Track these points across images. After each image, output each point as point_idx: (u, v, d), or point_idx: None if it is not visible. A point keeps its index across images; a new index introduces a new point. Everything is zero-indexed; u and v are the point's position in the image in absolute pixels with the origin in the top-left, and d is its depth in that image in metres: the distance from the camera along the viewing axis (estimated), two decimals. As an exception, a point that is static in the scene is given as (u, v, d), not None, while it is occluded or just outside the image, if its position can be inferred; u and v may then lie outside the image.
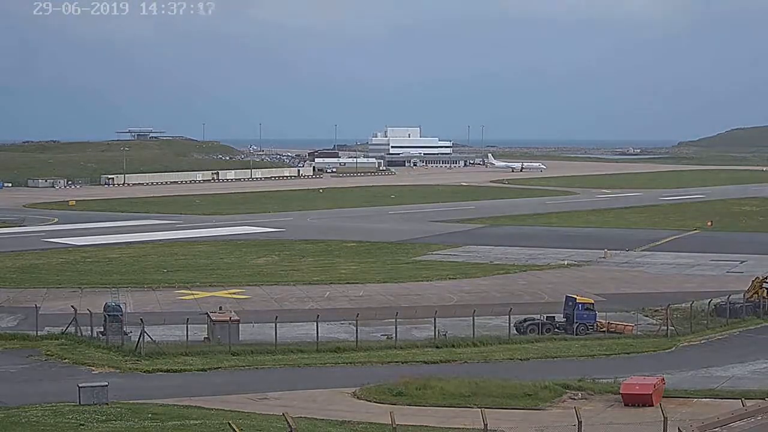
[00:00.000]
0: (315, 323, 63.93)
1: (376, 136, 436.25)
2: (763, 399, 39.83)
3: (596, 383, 52.24)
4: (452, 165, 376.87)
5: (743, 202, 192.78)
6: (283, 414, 32.38)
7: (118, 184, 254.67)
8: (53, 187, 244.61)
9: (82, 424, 40.33)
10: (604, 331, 69.65)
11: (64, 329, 65.36)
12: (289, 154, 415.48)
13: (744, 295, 77.43)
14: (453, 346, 63.55)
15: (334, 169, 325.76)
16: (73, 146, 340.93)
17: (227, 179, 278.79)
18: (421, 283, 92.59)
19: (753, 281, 78.84)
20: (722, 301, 75.33)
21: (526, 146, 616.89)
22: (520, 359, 61.67)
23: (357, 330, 64.12)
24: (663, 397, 47.59)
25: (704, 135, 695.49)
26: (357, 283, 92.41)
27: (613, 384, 51.39)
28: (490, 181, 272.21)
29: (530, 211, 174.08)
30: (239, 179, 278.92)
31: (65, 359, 59.42)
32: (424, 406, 48.23)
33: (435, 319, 66.69)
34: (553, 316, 71.41)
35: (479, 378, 52.42)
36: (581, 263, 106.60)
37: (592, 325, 70.11)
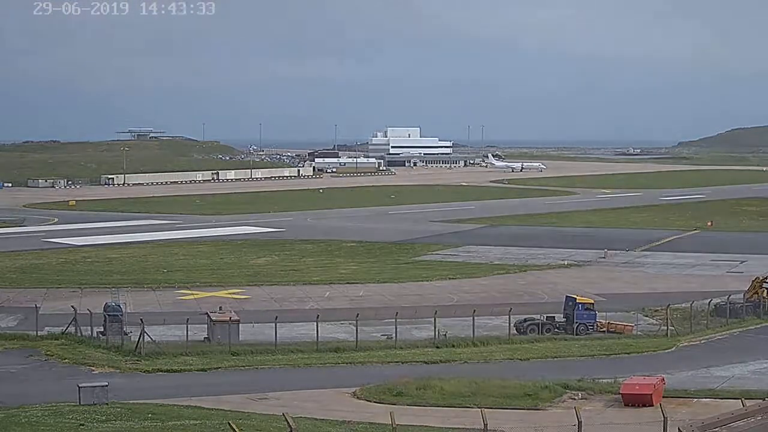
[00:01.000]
0: (315, 323, 63.91)
1: (376, 136, 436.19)
2: (763, 399, 39.78)
3: (596, 383, 52.20)
4: (452, 165, 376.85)
5: (743, 202, 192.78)
6: (283, 414, 32.32)
7: (118, 184, 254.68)
8: (53, 187, 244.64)
9: (82, 424, 40.29)
10: (604, 331, 69.65)
11: (64, 329, 65.34)
12: (289, 154, 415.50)
13: (744, 295, 77.44)
14: (453, 346, 63.52)
15: (334, 169, 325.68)
16: (73, 146, 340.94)
17: (227, 179, 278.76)
18: (421, 283, 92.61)
19: (753, 281, 78.85)
20: (722, 301, 75.36)
21: (526, 146, 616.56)
22: (520, 359, 61.64)
23: (357, 330, 64.10)
24: (663, 397, 47.54)
25: (704, 135, 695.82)
26: (357, 283, 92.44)
27: (613, 384, 51.36)
28: (490, 181, 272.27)
29: (530, 211, 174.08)
30: (239, 179, 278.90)
31: (65, 359, 59.38)
32: (424, 406, 48.19)
33: (435, 319, 66.65)
34: (553, 316, 71.40)
35: (479, 378, 52.39)
36: (581, 263, 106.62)
37: (592, 325, 70.11)
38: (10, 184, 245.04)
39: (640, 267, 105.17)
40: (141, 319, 61.73)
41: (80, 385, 46.34)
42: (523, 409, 47.58)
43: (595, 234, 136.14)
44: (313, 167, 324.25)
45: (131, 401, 46.86)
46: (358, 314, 67.28)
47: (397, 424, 34.69)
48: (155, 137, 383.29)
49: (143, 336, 59.85)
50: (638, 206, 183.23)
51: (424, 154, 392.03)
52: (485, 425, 34.87)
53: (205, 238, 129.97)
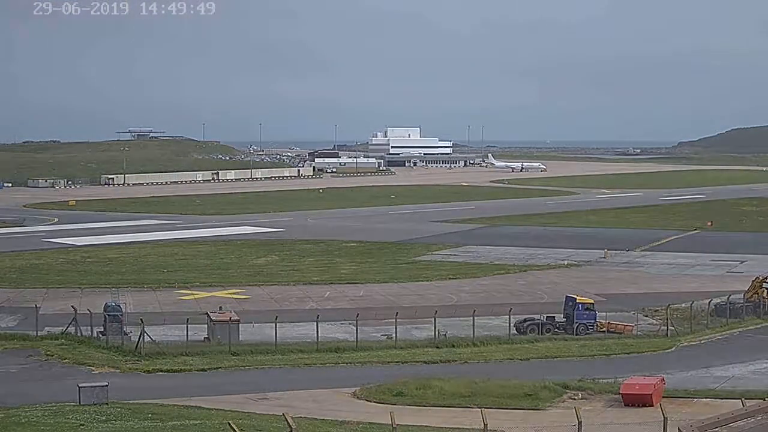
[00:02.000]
0: (315, 323, 63.91)
1: (376, 136, 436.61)
2: (763, 399, 39.80)
3: (596, 383, 52.19)
4: (452, 165, 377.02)
5: (743, 202, 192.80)
6: (283, 414, 32.36)
7: (118, 184, 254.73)
8: (53, 187, 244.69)
9: (82, 424, 40.30)
10: (604, 331, 69.62)
11: (64, 329, 65.32)
12: (289, 154, 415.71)
13: (744, 295, 77.42)
14: (453, 346, 63.49)
15: (334, 169, 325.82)
16: (73, 146, 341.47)
17: (227, 179, 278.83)
18: (421, 283, 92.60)
19: (753, 281, 78.83)
20: (722, 301, 75.34)
21: (526, 146, 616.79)
22: (520, 359, 61.61)
23: (357, 330, 64.10)
24: (663, 397, 47.55)
25: (704, 135, 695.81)
26: (357, 283, 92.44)
27: (613, 384, 51.34)
28: (490, 181, 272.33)
29: (530, 211, 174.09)
30: (239, 179, 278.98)
31: (65, 359, 59.36)
32: (424, 406, 48.18)
33: (435, 319, 66.64)
34: (553, 316, 71.39)
35: (479, 378, 52.37)
36: (581, 263, 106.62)
37: (592, 325, 70.09)
38: (10, 184, 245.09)
39: (640, 267, 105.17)
40: (141, 319, 61.72)
41: (80, 385, 46.36)
42: (523, 409, 47.57)
43: (595, 234, 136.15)
44: (313, 167, 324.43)
45: (131, 401, 46.86)
46: (358, 314, 67.28)
47: (397, 424, 34.72)
48: (155, 137, 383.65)
49: (143, 336, 59.83)
50: (638, 206, 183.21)
51: (424, 154, 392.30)
52: (485, 425, 34.90)
53: (205, 238, 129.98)
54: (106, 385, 46.44)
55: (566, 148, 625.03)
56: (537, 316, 71.57)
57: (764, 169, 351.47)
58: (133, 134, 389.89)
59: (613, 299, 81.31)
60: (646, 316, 75.83)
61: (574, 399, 49.43)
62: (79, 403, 45.09)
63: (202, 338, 64.52)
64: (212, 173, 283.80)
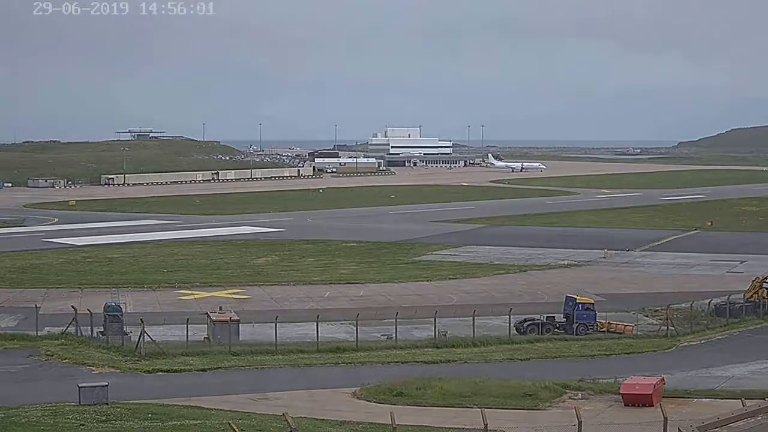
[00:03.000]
0: (315, 323, 63.93)
1: (376, 136, 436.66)
2: (763, 399, 39.85)
3: (596, 383, 52.18)
4: (452, 165, 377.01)
5: (743, 202, 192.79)
6: (283, 414, 32.37)
7: (118, 184, 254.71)
8: (53, 187, 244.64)
9: (82, 424, 40.31)
10: (604, 331, 69.66)
11: (64, 329, 65.30)
12: (289, 154, 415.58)
13: (744, 295, 77.44)
14: (453, 346, 63.50)
15: (334, 169, 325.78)
16: (73, 146, 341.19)
17: (227, 179, 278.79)
18: (421, 283, 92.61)
19: (753, 281, 78.86)
20: (722, 301, 75.40)
21: (526, 146, 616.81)
22: (520, 359, 61.61)
23: (357, 330, 64.09)
24: (663, 397, 47.54)
25: (704, 135, 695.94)
26: (357, 283, 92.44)
27: (613, 384, 51.34)
28: (490, 181, 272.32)
29: (530, 211, 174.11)
30: (239, 179, 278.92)
31: (65, 359, 59.32)
32: (424, 406, 48.16)
33: (435, 319, 66.67)
34: (553, 316, 71.40)
35: (479, 378, 52.37)
36: (581, 263, 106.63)
37: (592, 325, 70.12)
38: (10, 184, 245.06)
39: (640, 267, 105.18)
40: (141, 319, 61.71)
41: (80, 385, 46.34)
42: (523, 409, 47.54)
43: (595, 234, 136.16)
44: (313, 167, 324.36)
45: (131, 401, 46.85)
46: (358, 314, 67.28)
47: (397, 424, 34.71)
48: (155, 137, 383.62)
49: (143, 336, 59.81)
50: (638, 206, 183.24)
51: (424, 154, 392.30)
52: (485, 425, 34.89)
53: (205, 238, 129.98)
54: (106, 385, 46.43)
55: (566, 148, 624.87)
56: (537, 316, 71.56)
57: (764, 169, 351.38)
58: (133, 134, 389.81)
59: (613, 299, 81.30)
60: (646, 316, 75.84)
61: (574, 399, 49.43)
62: (79, 403, 45.08)
63: (202, 338, 64.52)
64: (212, 173, 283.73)
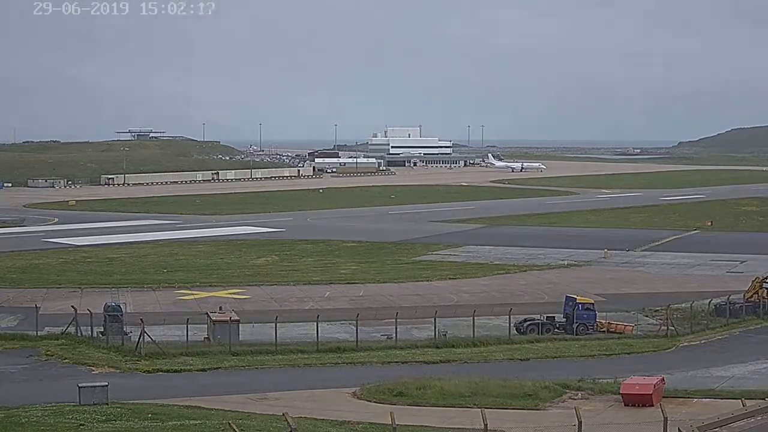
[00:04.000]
0: (315, 323, 63.91)
1: (376, 136, 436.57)
2: (763, 399, 39.84)
3: (596, 383, 52.16)
4: (452, 165, 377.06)
5: (743, 202, 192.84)
6: (283, 414, 32.36)
7: (118, 184, 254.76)
8: (53, 187, 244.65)
9: (82, 424, 40.29)
10: (604, 331, 69.65)
11: (64, 329, 65.30)
12: (289, 154, 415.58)
13: (744, 295, 77.44)
14: (453, 346, 63.49)
15: (334, 169, 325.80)
16: (73, 146, 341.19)
17: (227, 179, 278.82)
18: (421, 283, 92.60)
19: (753, 281, 78.86)
20: (722, 301, 75.37)
21: (526, 146, 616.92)
22: (520, 359, 61.61)
23: (357, 330, 64.08)
24: (663, 397, 47.53)
25: (704, 135, 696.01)
26: (357, 283, 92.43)
27: (613, 384, 51.33)
28: (490, 181, 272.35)
29: (530, 211, 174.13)
30: (239, 179, 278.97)
31: (65, 359, 59.33)
32: (424, 406, 48.15)
33: (435, 319, 66.68)
34: (553, 316, 71.41)
35: (479, 378, 52.33)
36: (581, 263, 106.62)
37: (592, 325, 70.12)
38: (10, 184, 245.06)
39: (640, 267, 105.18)
40: (141, 319, 61.70)
41: (80, 385, 46.33)
42: (523, 409, 47.53)
43: (595, 234, 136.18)
44: (313, 167, 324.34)
45: (131, 401, 46.84)
46: (358, 314, 67.28)
47: (397, 424, 34.69)
48: (155, 137, 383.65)
49: (143, 336, 59.82)
50: (638, 206, 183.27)
51: (424, 154, 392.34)
52: (485, 425, 34.86)
53: (205, 238, 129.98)
54: (106, 385, 46.42)
55: (566, 148, 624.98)
56: (537, 316, 71.56)
57: (764, 169, 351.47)
58: (133, 134, 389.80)
59: (613, 299, 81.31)
60: (646, 316, 75.84)
61: (574, 399, 49.42)
62: (79, 403, 45.07)
63: (202, 338, 64.50)
64: (212, 173, 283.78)
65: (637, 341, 66.76)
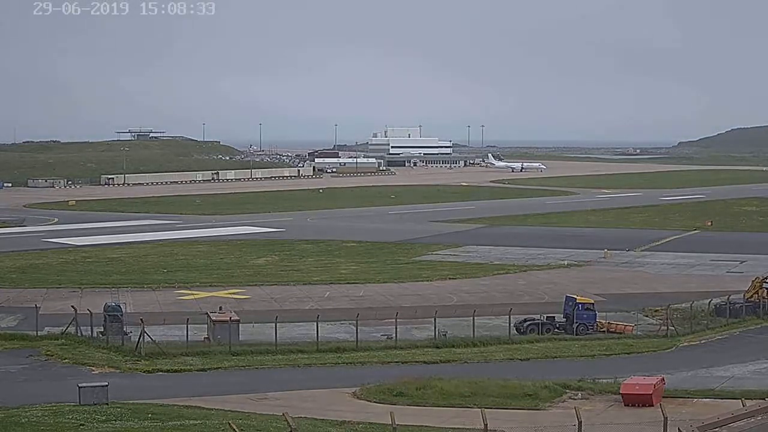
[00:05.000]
0: (315, 323, 63.92)
1: (376, 136, 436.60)
2: (763, 399, 39.82)
3: (596, 383, 52.20)
4: (452, 165, 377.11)
5: (743, 202, 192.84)
6: (283, 414, 32.39)
7: (118, 184, 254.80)
8: (53, 187, 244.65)
9: (82, 424, 40.30)
10: (604, 331, 69.65)
11: (64, 329, 65.32)
12: (289, 154, 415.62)
13: (744, 295, 77.43)
14: (453, 346, 63.51)
15: (334, 169, 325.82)
16: (73, 146, 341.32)
17: (227, 179, 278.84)
18: (421, 283, 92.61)
19: (753, 281, 78.85)
20: (722, 301, 75.36)
21: (526, 146, 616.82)
22: (520, 359, 61.64)
23: (357, 330, 64.10)
24: (663, 397, 47.55)
25: (704, 135, 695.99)
26: (357, 283, 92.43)
27: (613, 384, 51.35)
28: (490, 181, 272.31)
29: (530, 211, 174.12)
30: (239, 179, 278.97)
31: (65, 359, 59.35)
32: (424, 406, 48.18)
33: (435, 319, 66.70)
34: (553, 316, 71.41)
35: (479, 378, 52.39)
36: (581, 263, 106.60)
37: (592, 325, 70.11)
38: (10, 184, 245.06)
39: (640, 267, 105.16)
40: (141, 319, 61.74)
41: (80, 385, 46.34)
42: (523, 409, 47.56)
43: (595, 234, 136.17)
44: (313, 167, 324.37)
45: (131, 401, 46.86)
46: (358, 314, 67.29)
47: (397, 424, 34.69)
48: (155, 137, 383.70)
49: (143, 336, 59.84)
50: (638, 206, 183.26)
51: (424, 154, 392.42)
52: (485, 425, 34.87)
53: (205, 238, 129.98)
54: (106, 385, 46.43)
55: (566, 148, 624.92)
56: (537, 316, 71.56)
57: (764, 169, 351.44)
58: (133, 134, 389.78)
59: (613, 299, 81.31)
60: (646, 316, 75.84)
61: (574, 399, 49.44)
62: (79, 403, 45.08)
63: (202, 338, 64.51)
64: (212, 173, 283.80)
65: (637, 341, 66.76)
